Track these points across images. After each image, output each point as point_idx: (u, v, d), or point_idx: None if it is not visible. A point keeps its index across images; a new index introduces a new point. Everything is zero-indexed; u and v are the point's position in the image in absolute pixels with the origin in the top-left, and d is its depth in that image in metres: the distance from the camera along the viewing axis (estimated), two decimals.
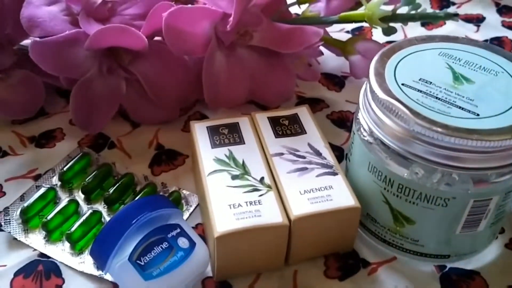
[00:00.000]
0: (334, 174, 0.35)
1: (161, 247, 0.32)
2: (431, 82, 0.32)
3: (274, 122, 0.40)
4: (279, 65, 0.45)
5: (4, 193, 0.40)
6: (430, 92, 0.31)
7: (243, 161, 0.36)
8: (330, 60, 0.53)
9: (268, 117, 0.40)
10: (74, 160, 0.41)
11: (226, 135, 0.38)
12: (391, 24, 0.46)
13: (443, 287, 0.34)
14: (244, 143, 0.38)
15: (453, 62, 0.33)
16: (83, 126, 0.43)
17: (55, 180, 0.40)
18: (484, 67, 0.33)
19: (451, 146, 0.29)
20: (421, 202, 0.31)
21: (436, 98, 0.31)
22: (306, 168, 0.36)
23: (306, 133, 0.39)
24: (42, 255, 0.36)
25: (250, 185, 0.35)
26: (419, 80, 0.32)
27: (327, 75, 0.51)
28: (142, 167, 0.42)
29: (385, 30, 0.47)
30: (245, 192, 0.34)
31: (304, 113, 0.41)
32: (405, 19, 0.46)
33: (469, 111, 0.30)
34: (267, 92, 0.45)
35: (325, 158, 0.37)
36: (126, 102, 0.44)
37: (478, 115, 0.30)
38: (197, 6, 0.40)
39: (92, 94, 0.43)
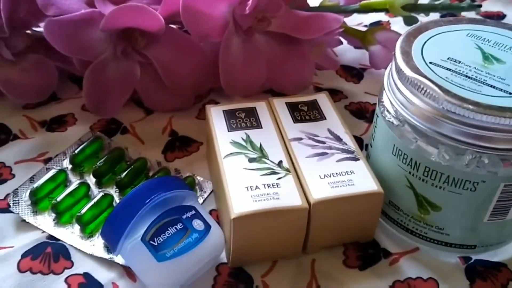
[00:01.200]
0: (356, 159, 0.34)
1: (175, 228, 0.31)
2: (460, 61, 0.30)
3: (293, 108, 0.38)
4: (297, 52, 0.44)
5: (13, 175, 0.39)
6: (460, 70, 0.30)
7: (261, 145, 0.35)
8: (348, 53, 0.52)
9: (286, 103, 0.39)
10: (85, 143, 0.40)
11: (243, 119, 0.37)
12: (413, 14, 0.45)
13: (468, 279, 0.33)
14: (261, 127, 0.37)
15: (482, 43, 0.32)
16: (96, 110, 0.42)
17: (66, 163, 0.39)
18: None
19: (483, 124, 0.27)
20: (448, 186, 0.30)
21: (466, 76, 0.29)
22: (326, 153, 0.35)
23: (325, 119, 0.37)
24: (51, 237, 0.34)
25: (268, 168, 0.33)
26: (448, 59, 0.31)
27: (345, 67, 0.50)
28: (155, 153, 0.41)
29: (406, 19, 0.46)
30: (262, 175, 0.33)
31: (323, 100, 0.39)
32: (427, 9, 0.45)
33: (501, 90, 0.28)
34: (285, 80, 0.44)
35: (346, 144, 0.35)
36: (140, 87, 0.43)
37: (510, 93, 0.28)
38: None
39: (106, 77, 0.42)
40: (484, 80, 0.29)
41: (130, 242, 0.30)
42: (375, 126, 0.34)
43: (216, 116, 0.37)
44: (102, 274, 0.33)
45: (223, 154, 0.34)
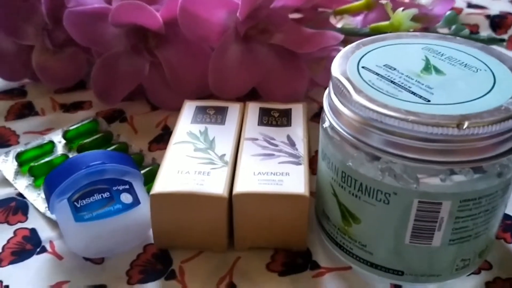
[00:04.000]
0: (298, 164, 0.34)
1: (101, 195, 0.33)
2: (395, 69, 0.29)
3: (264, 112, 0.39)
4: (293, 65, 0.44)
5: (18, 143, 0.44)
6: (388, 76, 0.28)
7: (213, 139, 0.36)
8: None
9: (260, 107, 0.39)
10: (81, 123, 0.44)
11: (210, 115, 0.38)
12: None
13: None
14: (223, 124, 0.38)
15: (433, 56, 0.30)
16: (100, 96, 0.46)
17: (59, 138, 0.43)
18: (466, 64, 0.29)
19: (390, 128, 0.26)
20: (362, 195, 0.28)
21: (391, 82, 0.28)
22: (273, 155, 0.35)
23: (290, 126, 0.37)
24: (20, 195, 0.38)
25: (209, 158, 0.34)
26: (383, 65, 0.29)
27: None
28: (143, 142, 0.44)
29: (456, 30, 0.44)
30: (200, 163, 0.34)
31: (298, 109, 0.39)
32: None
33: (420, 97, 0.27)
34: (276, 91, 0.44)
35: (297, 150, 0.35)
36: (147, 83, 0.47)
37: (428, 101, 0.26)
38: None
39: (116, 69, 0.46)
40: (408, 87, 0.28)
41: (59, 200, 0.33)
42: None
43: (188, 109, 0.39)
44: (45, 232, 0.35)
45: (174, 141, 0.36)
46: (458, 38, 0.32)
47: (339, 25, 0.48)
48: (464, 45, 0.31)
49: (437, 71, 0.29)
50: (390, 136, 0.26)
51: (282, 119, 0.38)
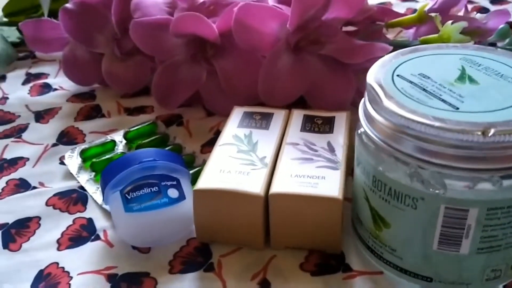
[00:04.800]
0: (335, 169, 0.35)
1: (150, 189, 0.35)
2: (429, 77, 0.30)
3: (308, 119, 0.40)
4: (341, 75, 0.45)
5: (84, 141, 0.48)
6: (421, 84, 0.29)
7: (257, 142, 0.38)
8: None
9: (304, 114, 0.41)
10: (142, 125, 0.47)
11: (256, 120, 0.40)
12: None
13: None
14: (267, 129, 0.39)
15: (469, 66, 0.31)
16: (160, 101, 0.49)
17: (121, 138, 0.47)
18: (502, 74, 0.30)
19: (417, 134, 0.27)
20: (392, 199, 0.29)
21: (423, 89, 0.29)
22: (312, 159, 0.36)
23: (332, 133, 0.39)
24: (82, 188, 0.42)
25: (250, 159, 0.36)
26: (418, 74, 0.30)
27: None
28: (196, 145, 0.46)
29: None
30: (241, 164, 0.36)
31: (341, 117, 0.40)
32: None
33: (450, 104, 0.27)
34: (323, 99, 0.46)
35: (336, 155, 0.36)
36: (203, 90, 0.49)
37: (457, 108, 0.27)
38: (264, 5, 0.44)
39: (175, 76, 0.49)
40: (439, 94, 0.28)
41: (113, 192, 0.36)
42: None
43: (236, 114, 0.41)
44: (100, 222, 0.39)
45: (221, 143, 0.38)
46: (498, 49, 0.32)
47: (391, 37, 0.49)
48: (504, 56, 0.32)
49: (471, 80, 0.29)
50: (418, 141, 0.27)
51: (325, 126, 0.39)
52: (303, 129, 0.39)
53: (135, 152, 0.38)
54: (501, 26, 0.44)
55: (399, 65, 0.31)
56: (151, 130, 0.47)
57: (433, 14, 0.43)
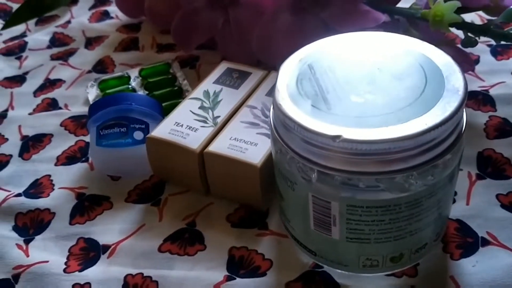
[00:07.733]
0: (270, 137, 0.38)
1: (120, 129, 0.41)
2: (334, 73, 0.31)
3: None
4: None
5: (114, 71, 0.55)
6: (319, 80, 0.31)
7: (220, 100, 0.42)
8: None
9: None
10: (157, 64, 0.53)
11: (232, 78, 0.44)
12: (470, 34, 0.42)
13: (304, 283, 0.34)
14: (237, 89, 0.43)
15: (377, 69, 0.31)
16: (178, 43, 0.54)
17: (136, 73, 0.53)
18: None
19: (290, 128, 0.29)
20: (282, 177, 0.32)
21: (318, 85, 0.30)
22: (258, 125, 0.39)
23: None
24: None
25: (204, 117, 0.40)
26: (327, 68, 0.32)
27: None
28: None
29: (465, 41, 0.42)
30: (195, 119, 0.40)
31: None
32: (478, 31, 0.40)
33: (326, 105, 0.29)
34: None
35: None
36: (218, 36, 0.53)
37: (329, 109, 0.29)
38: None
39: (193, 21, 0.53)
40: (326, 93, 0.30)
41: (94, 126, 0.43)
42: None
43: (219, 69, 0.45)
44: None
45: (190, 96, 0.43)
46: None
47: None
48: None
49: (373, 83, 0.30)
50: (291, 134, 0.29)
51: None
52: (269, 93, 0.42)
53: (118, 94, 0.44)
54: (509, 8, 0.41)
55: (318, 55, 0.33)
56: (164, 70, 0.53)
57: None
